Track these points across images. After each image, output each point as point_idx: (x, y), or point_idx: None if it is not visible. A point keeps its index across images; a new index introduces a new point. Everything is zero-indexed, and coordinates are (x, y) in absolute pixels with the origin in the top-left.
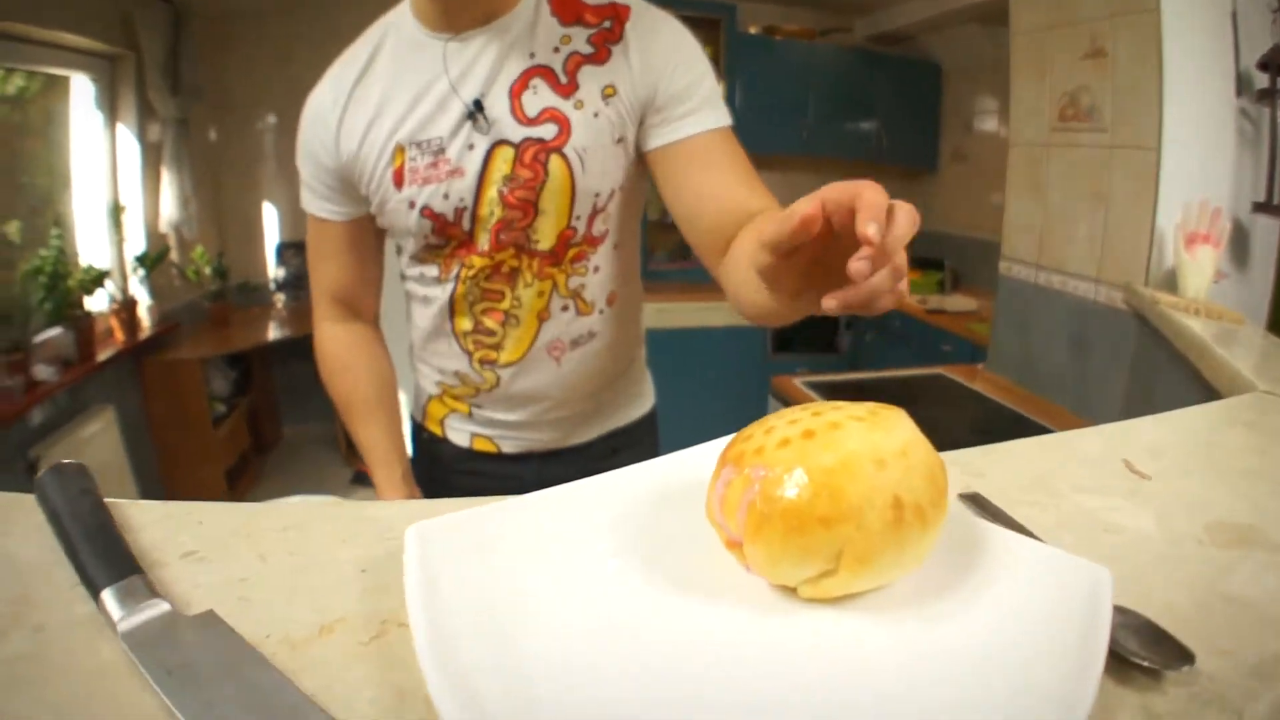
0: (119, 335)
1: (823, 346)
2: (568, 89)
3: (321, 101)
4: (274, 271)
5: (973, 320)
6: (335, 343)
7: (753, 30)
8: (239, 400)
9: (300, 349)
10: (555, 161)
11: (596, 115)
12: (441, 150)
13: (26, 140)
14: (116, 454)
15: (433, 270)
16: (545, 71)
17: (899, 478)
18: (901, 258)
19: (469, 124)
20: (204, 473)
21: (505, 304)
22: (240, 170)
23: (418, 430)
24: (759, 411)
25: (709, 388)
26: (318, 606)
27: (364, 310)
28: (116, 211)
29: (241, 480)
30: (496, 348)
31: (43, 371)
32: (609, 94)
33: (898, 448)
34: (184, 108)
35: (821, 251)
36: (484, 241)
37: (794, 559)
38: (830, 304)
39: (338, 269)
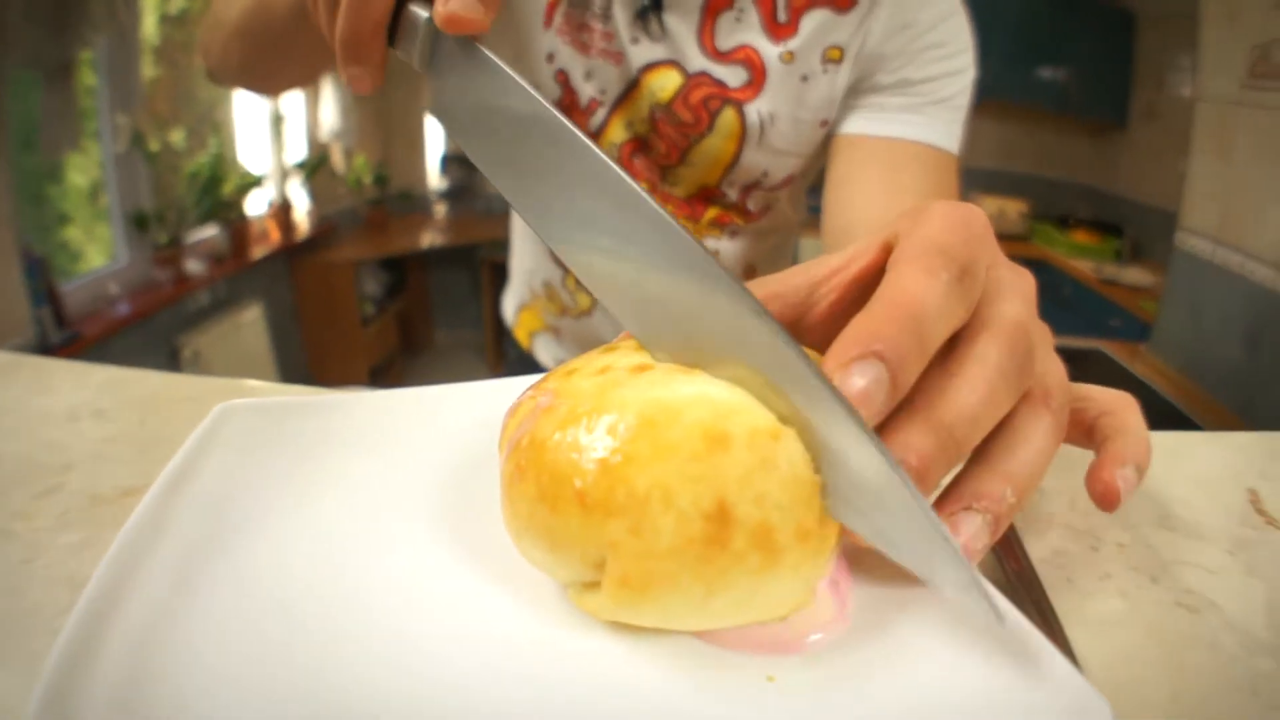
0: (274, 236)
1: None
2: (783, 31)
3: None
4: (436, 182)
5: (1146, 297)
6: None
7: None
8: (390, 303)
9: (458, 256)
10: (727, 116)
11: (805, 79)
12: (607, 15)
13: (192, 56)
14: (262, 346)
15: None
16: None
17: (743, 474)
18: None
19: (640, 20)
20: (349, 369)
21: None
22: (404, 81)
23: (508, 339)
24: None
25: None
26: (140, 472)
27: None
28: (277, 121)
29: (386, 379)
30: None
31: (194, 267)
32: (832, 57)
33: (766, 424)
34: None
35: None
36: (610, 154)
37: (541, 542)
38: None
39: None
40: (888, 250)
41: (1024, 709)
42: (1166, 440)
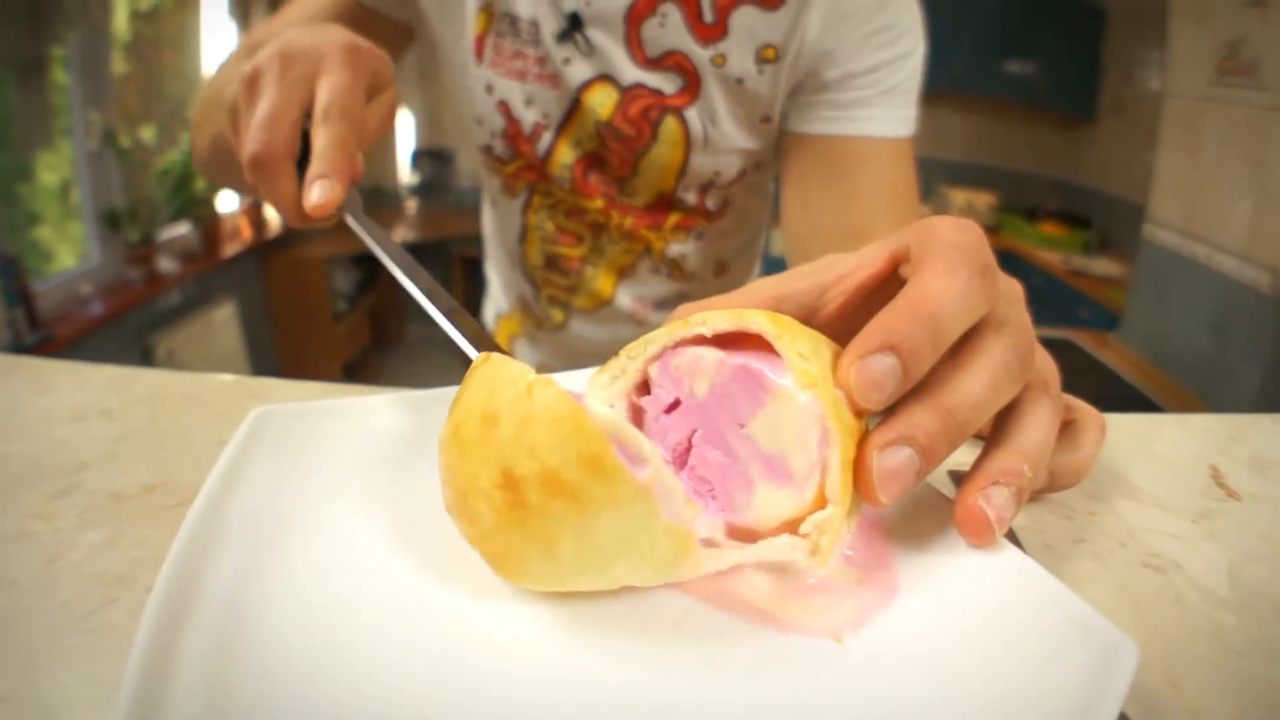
0: (246, 233)
1: None
2: (711, 32)
3: None
4: (407, 177)
5: (1114, 288)
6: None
7: None
8: (362, 299)
9: (429, 252)
10: (669, 125)
11: (741, 82)
12: (537, 40)
13: (162, 52)
14: (234, 344)
15: (495, 181)
16: None
17: (511, 437)
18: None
19: (564, 40)
20: (321, 366)
21: (582, 250)
22: None
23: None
24: None
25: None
26: (159, 469)
27: None
28: None
29: (359, 375)
30: (570, 290)
31: (166, 265)
32: (767, 57)
33: (526, 382)
34: None
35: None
36: (563, 176)
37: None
38: None
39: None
40: (895, 261)
41: (1061, 653)
42: (1134, 422)
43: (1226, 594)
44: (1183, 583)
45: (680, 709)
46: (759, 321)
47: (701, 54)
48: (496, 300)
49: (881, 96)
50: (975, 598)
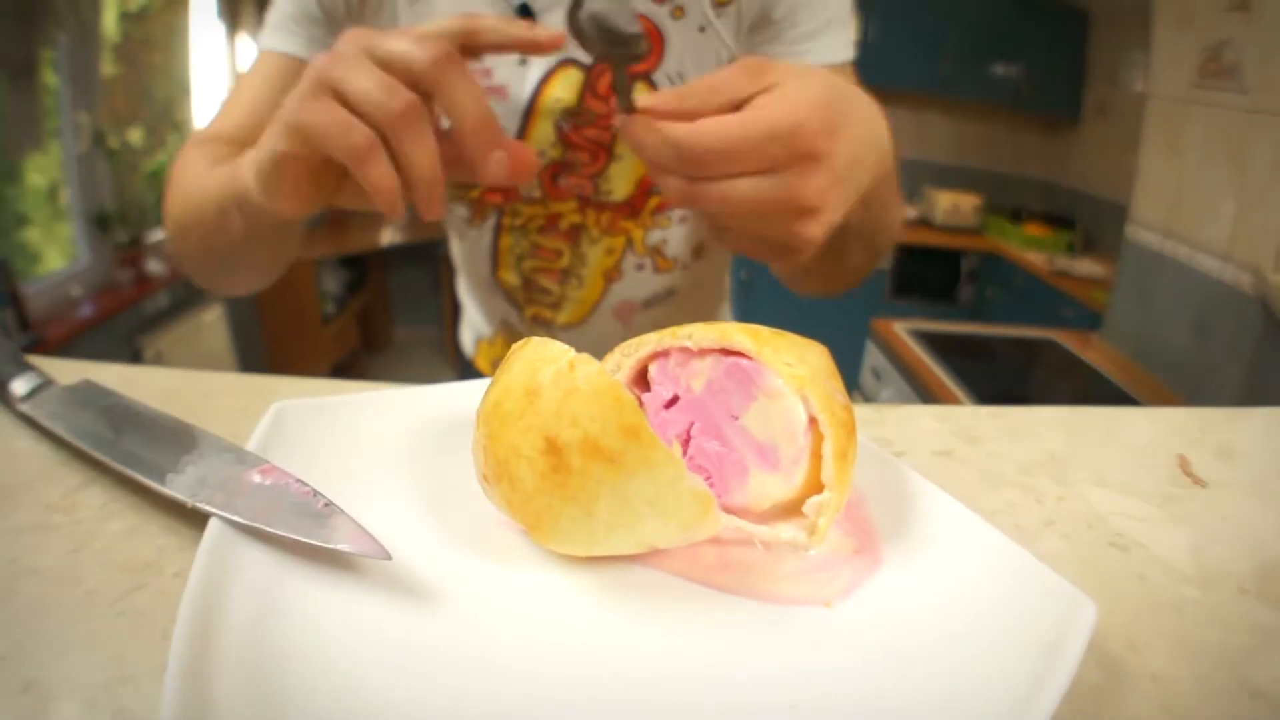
0: None
1: (943, 296)
2: None
3: None
4: None
5: (1098, 288)
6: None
7: None
8: (351, 301)
9: (417, 254)
10: (641, 92)
11: (703, 30)
12: (478, 56)
13: (151, 53)
14: (223, 346)
15: (461, 210)
16: None
17: (555, 409)
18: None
19: None
20: (310, 368)
21: (564, 262)
22: None
23: (466, 369)
24: (854, 355)
25: (814, 329)
26: None
27: None
28: None
29: (348, 378)
30: (553, 306)
31: (154, 267)
32: (722, 1)
33: (567, 360)
34: None
35: None
36: (532, 187)
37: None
38: None
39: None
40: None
41: (1025, 610)
42: (1105, 413)
43: (1190, 571)
44: (1146, 560)
45: (691, 670)
46: (740, 340)
47: (660, 10)
48: (476, 325)
49: (824, 27)
50: (950, 565)
